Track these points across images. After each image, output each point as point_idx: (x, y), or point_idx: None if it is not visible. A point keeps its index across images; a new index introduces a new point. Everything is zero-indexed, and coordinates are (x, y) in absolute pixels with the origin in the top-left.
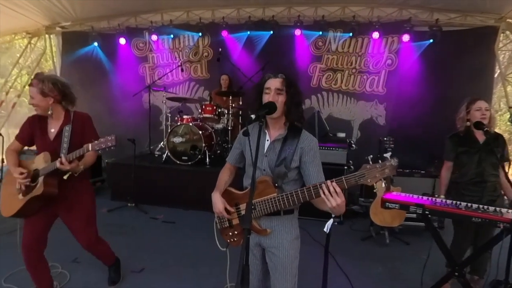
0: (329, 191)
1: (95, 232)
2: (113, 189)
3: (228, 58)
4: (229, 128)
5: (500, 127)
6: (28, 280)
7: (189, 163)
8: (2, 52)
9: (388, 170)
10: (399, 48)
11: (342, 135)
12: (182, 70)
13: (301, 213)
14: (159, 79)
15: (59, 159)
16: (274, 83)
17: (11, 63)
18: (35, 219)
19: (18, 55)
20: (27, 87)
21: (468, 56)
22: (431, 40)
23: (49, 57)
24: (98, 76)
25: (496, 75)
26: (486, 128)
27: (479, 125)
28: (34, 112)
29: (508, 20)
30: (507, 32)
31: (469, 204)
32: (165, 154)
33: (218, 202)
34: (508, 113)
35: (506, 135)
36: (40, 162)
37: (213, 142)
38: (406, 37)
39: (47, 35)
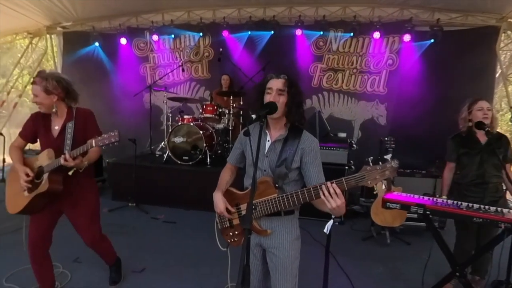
0: (329, 193)
1: (99, 229)
2: (114, 189)
3: (229, 58)
4: (230, 128)
5: (501, 127)
6: (29, 280)
7: (190, 163)
8: (3, 52)
9: (389, 172)
10: (400, 48)
11: (343, 135)
12: (183, 70)
13: (301, 213)
14: (160, 79)
15: (63, 155)
16: (276, 84)
17: (12, 63)
18: (40, 217)
19: (19, 55)
20: (28, 87)
21: (469, 56)
22: (432, 40)
23: (50, 57)
24: (99, 76)
25: (497, 75)
26: (487, 128)
27: (480, 125)
28: (37, 110)
29: (509, 20)
30: (508, 32)
31: (470, 204)
32: (166, 154)
33: (219, 201)
34: (510, 113)
35: (507, 135)
36: (44, 159)
37: (214, 142)
38: (407, 37)
39: (48, 35)
